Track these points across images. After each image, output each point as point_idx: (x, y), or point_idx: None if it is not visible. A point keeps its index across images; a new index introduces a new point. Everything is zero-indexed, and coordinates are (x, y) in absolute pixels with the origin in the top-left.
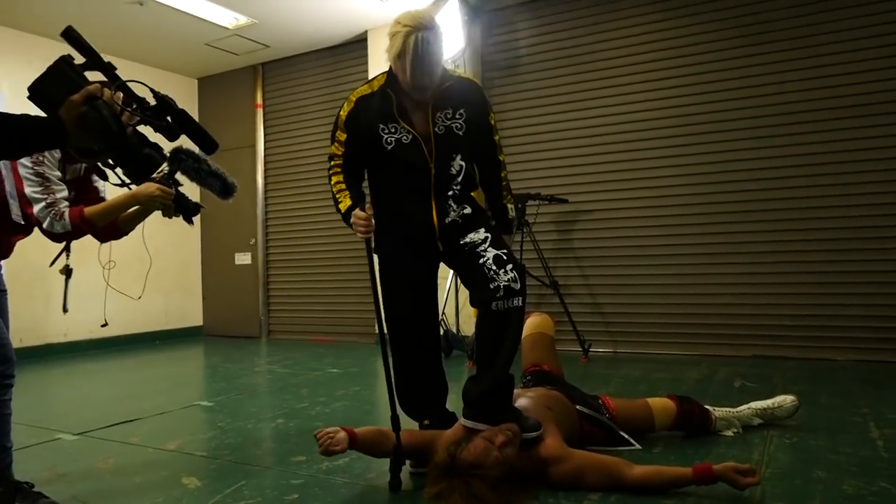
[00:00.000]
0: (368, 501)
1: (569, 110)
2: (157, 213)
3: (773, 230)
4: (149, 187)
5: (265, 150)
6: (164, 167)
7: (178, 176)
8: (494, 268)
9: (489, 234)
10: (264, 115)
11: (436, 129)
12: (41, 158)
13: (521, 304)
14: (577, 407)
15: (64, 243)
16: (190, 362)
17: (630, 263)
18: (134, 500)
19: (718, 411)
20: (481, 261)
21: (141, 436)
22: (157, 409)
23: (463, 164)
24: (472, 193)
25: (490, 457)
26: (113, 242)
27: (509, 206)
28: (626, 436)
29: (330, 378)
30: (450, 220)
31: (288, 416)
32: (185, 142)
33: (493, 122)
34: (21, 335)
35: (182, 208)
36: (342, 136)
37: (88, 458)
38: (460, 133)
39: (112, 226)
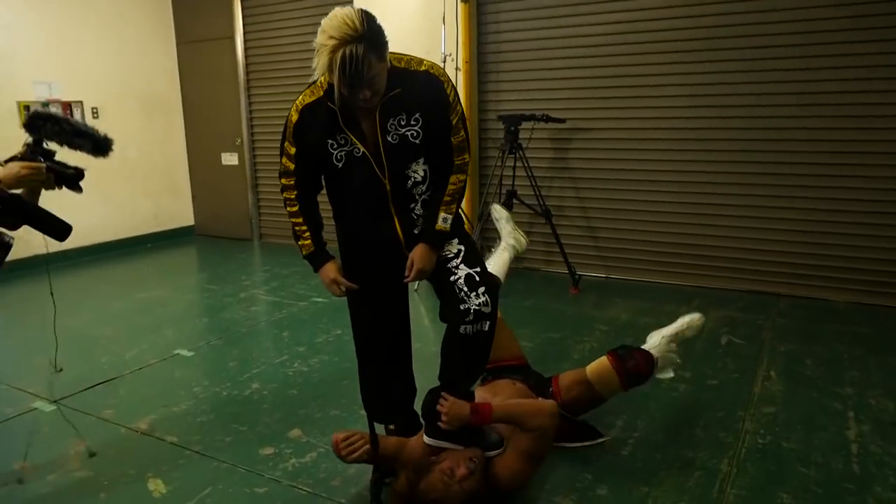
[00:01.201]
0: None
1: (566, 25)
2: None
3: (777, 161)
4: (11, 168)
5: (245, 42)
6: (27, 139)
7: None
8: (466, 289)
9: (462, 247)
10: (242, 3)
11: (388, 139)
12: None
13: (489, 328)
14: (539, 398)
15: None
16: (177, 280)
17: (627, 188)
18: None
19: (654, 350)
20: (452, 278)
21: (116, 406)
22: (137, 363)
23: (427, 167)
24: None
25: (449, 492)
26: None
27: (443, 214)
28: (587, 424)
29: (314, 313)
30: (418, 230)
31: (263, 376)
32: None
33: (454, 120)
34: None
35: (62, 178)
36: (291, 150)
37: (61, 442)
38: (416, 141)
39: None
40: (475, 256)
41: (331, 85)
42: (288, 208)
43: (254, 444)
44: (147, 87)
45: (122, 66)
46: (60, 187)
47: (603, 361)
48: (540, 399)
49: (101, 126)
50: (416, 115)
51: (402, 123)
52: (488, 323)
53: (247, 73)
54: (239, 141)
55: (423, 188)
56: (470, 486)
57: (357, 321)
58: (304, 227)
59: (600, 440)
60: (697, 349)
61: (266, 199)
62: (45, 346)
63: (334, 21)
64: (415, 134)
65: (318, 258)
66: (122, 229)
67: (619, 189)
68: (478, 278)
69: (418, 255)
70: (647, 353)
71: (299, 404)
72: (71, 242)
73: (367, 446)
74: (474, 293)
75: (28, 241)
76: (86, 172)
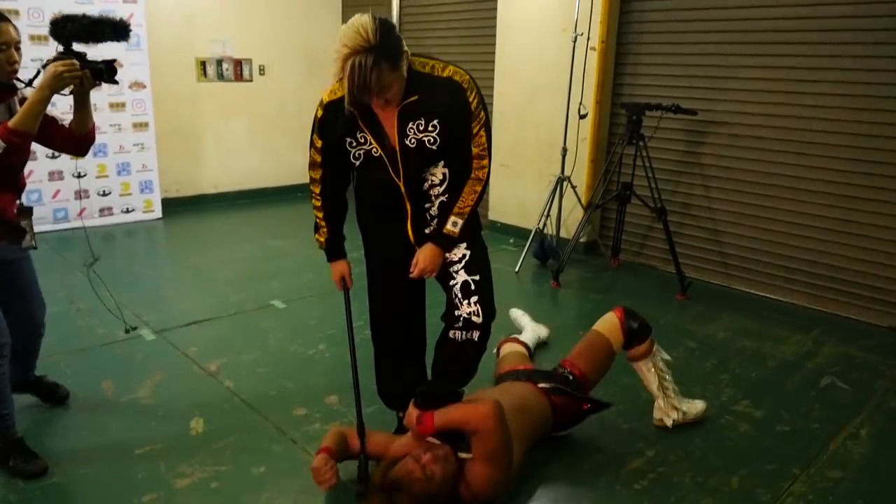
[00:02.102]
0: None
1: (718, 6)
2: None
3: None
4: (48, 71)
5: (400, 8)
6: (57, 48)
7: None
8: (460, 295)
9: (467, 252)
10: None
11: (406, 143)
12: None
13: (478, 338)
14: (540, 385)
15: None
16: (307, 233)
17: (764, 192)
18: (139, 437)
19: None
20: (451, 283)
21: (200, 345)
22: (235, 308)
23: (446, 170)
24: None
25: (414, 474)
26: (259, 101)
27: (454, 218)
28: (593, 398)
29: None
30: (430, 230)
31: (334, 338)
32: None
33: (476, 128)
34: (177, 186)
35: (96, 73)
36: (318, 143)
37: (145, 369)
38: (434, 147)
39: (68, 136)
40: (478, 264)
41: None
42: (312, 201)
43: (292, 403)
44: (310, 47)
45: (289, 27)
46: (99, 83)
47: (608, 313)
48: (482, 400)
49: (267, 82)
50: (435, 122)
51: (421, 128)
52: (477, 333)
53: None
54: None
55: (441, 190)
56: (434, 473)
57: (373, 306)
58: (324, 224)
59: (607, 407)
60: (788, 386)
61: None
62: (176, 281)
63: (349, 30)
64: (432, 140)
65: (331, 253)
66: (278, 177)
67: (756, 193)
68: (473, 287)
69: (423, 254)
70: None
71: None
72: (230, 185)
73: (334, 481)
74: (467, 301)
75: (196, 182)
76: (116, 64)
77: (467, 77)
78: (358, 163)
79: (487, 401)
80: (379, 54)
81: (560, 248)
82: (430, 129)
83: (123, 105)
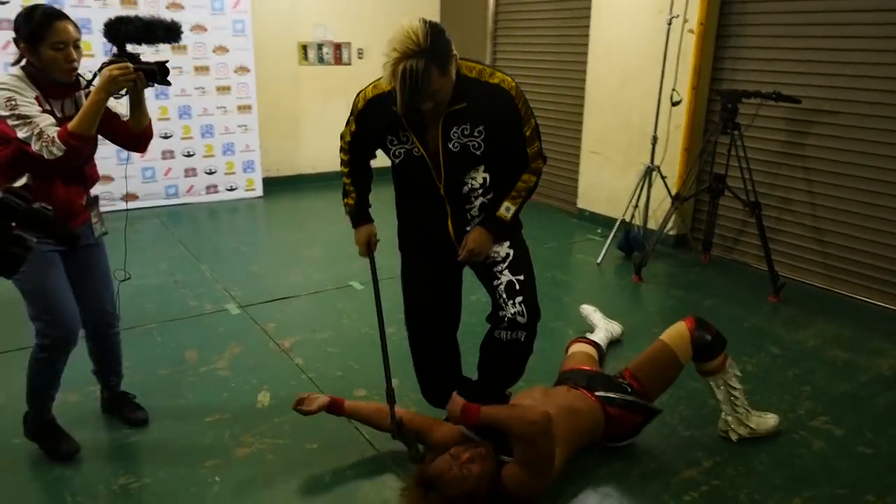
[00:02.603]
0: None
1: None
2: None
3: None
4: (103, 74)
5: None
6: (112, 50)
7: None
8: (505, 296)
9: (511, 252)
10: None
11: (449, 146)
12: (13, 102)
13: (524, 338)
14: (597, 394)
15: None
16: (391, 216)
17: (879, 190)
18: (211, 405)
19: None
20: (495, 282)
21: (279, 321)
22: (316, 287)
23: (487, 175)
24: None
25: (450, 473)
26: (357, 84)
27: (507, 204)
28: (648, 404)
29: None
30: (470, 228)
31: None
32: None
33: (528, 132)
34: (277, 166)
35: (149, 74)
36: (353, 127)
37: (226, 342)
38: (477, 152)
39: (128, 132)
40: (522, 264)
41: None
42: (341, 168)
43: (355, 383)
44: None
45: (388, 10)
46: (152, 84)
47: (677, 322)
48: (534, 408)
49: (365, 65)
50: (480, 128)
51: (466, 133)
52: (524, 333)
53: (495, 23)
54: None
55: (480, 192)
56: (472, 472)
57: (407, 294)
58: (352, 189)
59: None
60: (879, 404)
61: None
62: (267, 258)
63: (400, 34)
64: (476, 145)
65: (357, 218)
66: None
67: (863, 189)
68: (517, 287)
69: (473, 236)
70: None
71: None
72: (327, 166)
73: (325, 401)
74: (511, 301)
75: (295, 163)
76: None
77: (514, 84)
78: (398, 161)
79: (537, 409)
80: (429, 58)
81: (646, 241)
82: (475, 134)
83: (229, 88)
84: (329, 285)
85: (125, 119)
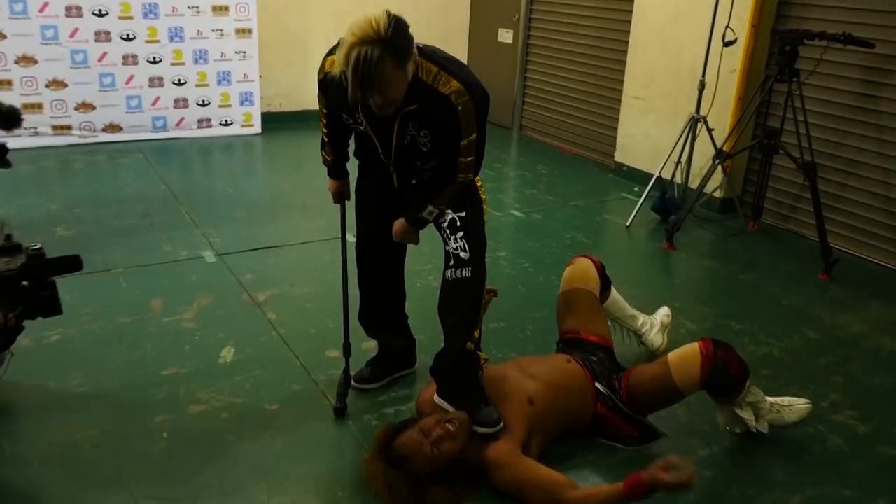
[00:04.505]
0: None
1: None
2: None
3: None
4: None
5: None
6: None
7: None
8: (448, 231)
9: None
10: None
11: (403, 140)
12: None
13: (470, 275)
14: (595, 385)
15: None
16: None
17: None
18: (169, 358)
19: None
20: (440, 221)
21: (256, 272)
22: (303, 237)
23: (435, 161)
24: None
25: (419, 453)
26: (375, 7)
27: (431, 208)
28: (647, 422)
29: (520, 226)
30: (416, 181)
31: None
32: None
33: (465, 143)
34: (280, 100)
35: None
36: (321, 98)
37: (196, 291)
38: (424, 149)
39: None
40: (466, 198)
41: None
42: (321, 119)
43: (328, 344)
44: None
45: None
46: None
47: (691, 344)
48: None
49: None
50: (426, 131)
51: (415, 130)
52: (468, 269)
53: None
54: (516, 17)
55: (427, 167)
56: (443, 450)
57: (359, 235)
58: (328, 140)
59: (657, 438)
60: None
61: (532, 86)
62: (256, 202)
63: (361, 20)
64: (424, 143)
65: (333, 171)
66: None
67: None
68: (458, 223)
69: (397, 226)
70: (744, 366)
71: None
72: None
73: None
74: (454, 236)
75: (301, 96)
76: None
77: (466, 98)
78: (352, 132)
79: (503, 446)
80: (386, 48)
81: (685, 203)
82: (422, 134)
83: (227, 9)
84: (318, 236)
85: None
